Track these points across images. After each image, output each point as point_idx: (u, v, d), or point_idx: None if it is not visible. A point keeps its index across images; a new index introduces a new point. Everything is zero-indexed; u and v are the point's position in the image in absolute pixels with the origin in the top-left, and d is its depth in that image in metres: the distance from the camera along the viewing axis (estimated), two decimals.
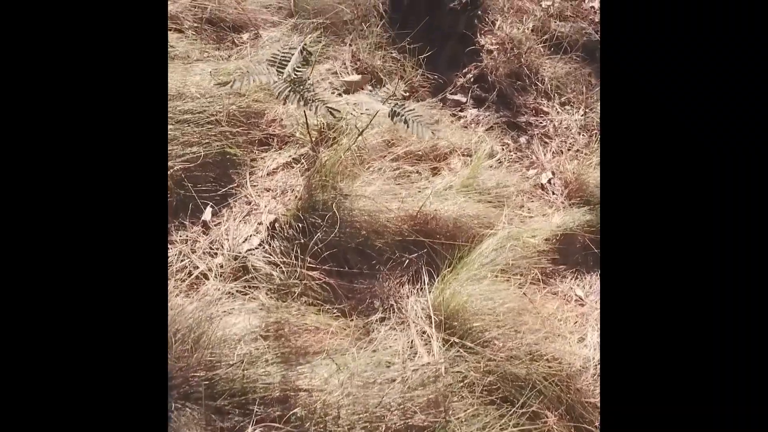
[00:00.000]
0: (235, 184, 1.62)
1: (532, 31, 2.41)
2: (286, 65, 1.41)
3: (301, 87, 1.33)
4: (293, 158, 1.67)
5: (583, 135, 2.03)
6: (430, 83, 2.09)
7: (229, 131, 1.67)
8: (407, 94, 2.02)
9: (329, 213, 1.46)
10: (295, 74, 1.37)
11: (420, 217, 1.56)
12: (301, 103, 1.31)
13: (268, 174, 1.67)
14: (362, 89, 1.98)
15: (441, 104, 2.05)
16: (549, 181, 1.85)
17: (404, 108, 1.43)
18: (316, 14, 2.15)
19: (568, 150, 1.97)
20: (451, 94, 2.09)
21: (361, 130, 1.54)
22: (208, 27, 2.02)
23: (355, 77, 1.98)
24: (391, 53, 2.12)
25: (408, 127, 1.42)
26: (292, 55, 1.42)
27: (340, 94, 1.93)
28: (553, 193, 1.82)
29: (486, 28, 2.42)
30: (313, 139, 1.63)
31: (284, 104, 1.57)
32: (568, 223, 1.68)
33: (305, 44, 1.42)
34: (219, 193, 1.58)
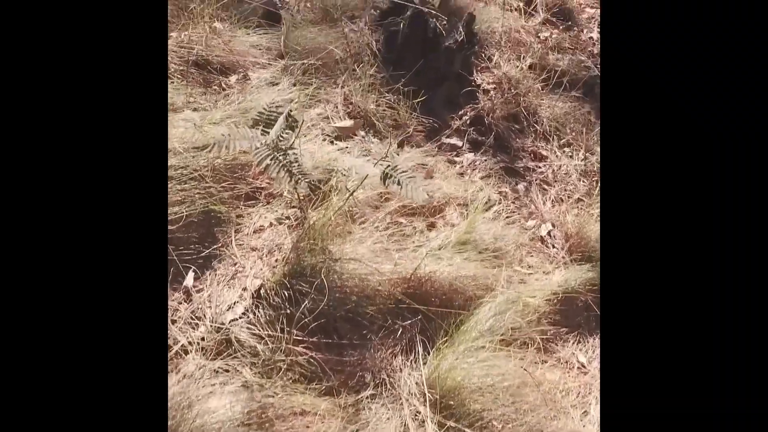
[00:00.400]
0: (220, 244, 1.54)
1: (530, 68, 2.35)
2: (271, 127, 1.33)
3: (284, 156, 1.25)
4: (282, 214, 1.59)
5: (583, 182, 1.96)
6: (425, 127, 2.02)
7: (214, 187, 1.59)
8: (401, 138, 1.95)
9: (317, 280, 1.38)
10: (280, 139, 1.30)
11: (414, 280, 1.49)
12: (282, 174, 1.23)
13: (254, 231, 1.59)
14: (355, 135, 1.90)
15: (436, 149, 1.98)
16: (549, 234, 1.78)
17: (396, 170, 1.36)
18: (306, 54, 2.08)
19: (569, 198, 1.90)
20: (446, 137, 2.02)
21: (351, 190, 1.47)
22: (194, 70, 1.95)
23: (347, 122, 1.91)
24: (385, 95, 2.05)
25: (401, 189, 1.35)
26: (277, 116, 1.34)
27: (331, 141, 1.85)
28: (554, 247, 1.75)
29: (482, 65, 2.36)
30: (301, 198, 1.56)
31: (264, 173, 1.49)
32: (570, 282, 1.61)
33: (290, 110, 1.34)
34: (202, 254, 1.50)
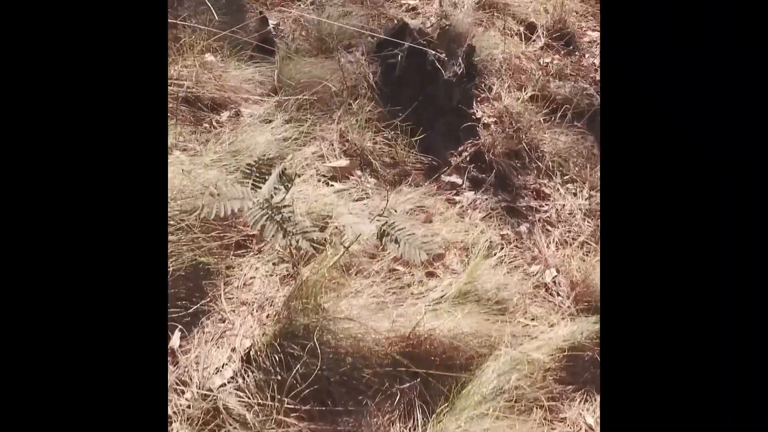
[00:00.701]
0: (208, 299, 1.46)
1: (531, 99, 2.28)
2: (262, 181, 1.26)
3: (279, 215, 1.18)
4: (273, 268, 1.52)
5: (588, 222, 1.89)
6: (424, 164, 1.95)
7: (203, 237, 1.52)
8: (398, 179, 1.88)
9: (310, 343, 1.31)
10: (273, 195, 1.22)
11: (413, 338, 1.41)
12: (279, 234, 1.16)
13: (245, 284, 1.51)
14: (351, 175, 1.83)
15: (435, 188, 1.91)
16: (553, 280, 1.71)
17: (394, 227, 1.28)
18: (301, 89, 2.01)
19: (573, 240, 1.83)
20: (446, 175, 1.95)
21: (346, 247, 1.40)
22: (184, 107, 1.88)
23: (343, 162, 1.84)
24: (382, 130, 1.98)
25: (399, 248, 1.27)
26: (269, 170, 1.27)
27: (327, 182, 1.78)
28: (559, 295, 1.68)
29: (482, 95, 2.29)
30: (294, 254, 1.48)
31: (260, 234, 1.42)
32: (576, 335, 1.53)
33: (284, 167, 1.27)
34: (190, 311, 1.42)
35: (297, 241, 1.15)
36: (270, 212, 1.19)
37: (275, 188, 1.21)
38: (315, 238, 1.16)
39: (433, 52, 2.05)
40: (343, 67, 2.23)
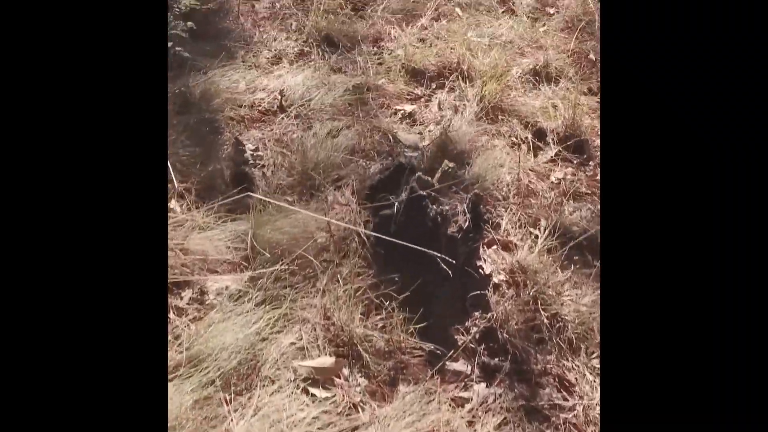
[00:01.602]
0: None
1: (544, 240, 1.98)
2: None
3: None
4: None
5: None
6: (424, 350, 1.64)
7: None
8: (393, 374, 1.57)
9: None
10: None
11: None
12: None
13: None
14: (337, 377, 1.51)
15: (438, 379, 1.59)
16: None
17: None
18: (280, 253, 1.71)
19: None
20: (451, 361, 1.64)
21: None
22: None
23: (327, 360, 1.52)
24: (375, 301, 1.68)
25: None
26: None
27: (306, 389, 1.46)
28: None
29: (489, 237, 1.99)
30: None
31: None
32: None
33: None
34: None
35: None
36: None
37: None
38: None
39: (435, 207, 1.75)
40: (332, 207, 1.93)
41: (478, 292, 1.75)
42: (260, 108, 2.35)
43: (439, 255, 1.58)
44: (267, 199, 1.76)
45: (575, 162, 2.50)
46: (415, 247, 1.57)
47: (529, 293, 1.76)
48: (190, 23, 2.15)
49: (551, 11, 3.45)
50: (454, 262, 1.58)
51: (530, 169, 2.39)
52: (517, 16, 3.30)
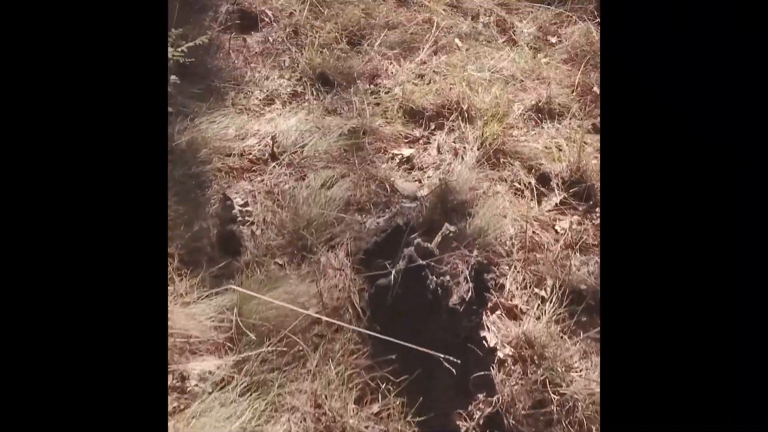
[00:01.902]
0: None
1: (551, 305, 1.86)
2: None
3: None
4: None
5: None
6: None
7: None
8: None
9: None
10: None
11: None
12: None
13: None
14: None
15: None
16: None
17: None
18: (268, 332, 1.59)
19: None
20: None
21: None
22: None
23: None
24: (369, 384, 1.56)
25: None
26: None
27: None
28: None
29: (492, 301, 1.87)
30: None
31: None
32: None
33: None
34: None
35: None
36: None
37: None
38: None
39: (435, 278, 1.63)
40: (324, 272, 1.82)
41: (482, 373, 1.62)
42: (250, 156, 2.23)
43: (443, 356, 1.45)
44: (250, 293, 1.61)
45: (581, 209, 2.39)
46: (415, 347, 1.45)
47: (537, 371, 1.65)
48: (173, 77, 2.03)
49: (553, 40, 3.34)
50: (459, 362, 1.46)
51: (534, 219, 2.27)
52: (518, 46, 3.18)
